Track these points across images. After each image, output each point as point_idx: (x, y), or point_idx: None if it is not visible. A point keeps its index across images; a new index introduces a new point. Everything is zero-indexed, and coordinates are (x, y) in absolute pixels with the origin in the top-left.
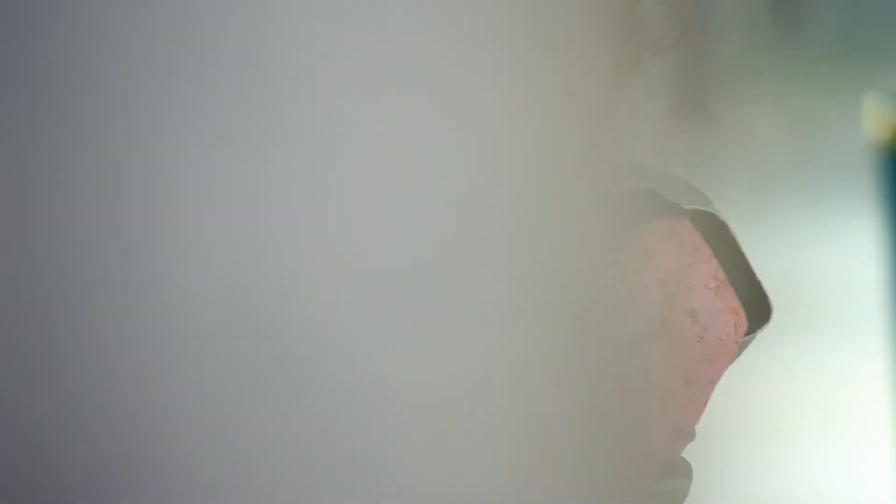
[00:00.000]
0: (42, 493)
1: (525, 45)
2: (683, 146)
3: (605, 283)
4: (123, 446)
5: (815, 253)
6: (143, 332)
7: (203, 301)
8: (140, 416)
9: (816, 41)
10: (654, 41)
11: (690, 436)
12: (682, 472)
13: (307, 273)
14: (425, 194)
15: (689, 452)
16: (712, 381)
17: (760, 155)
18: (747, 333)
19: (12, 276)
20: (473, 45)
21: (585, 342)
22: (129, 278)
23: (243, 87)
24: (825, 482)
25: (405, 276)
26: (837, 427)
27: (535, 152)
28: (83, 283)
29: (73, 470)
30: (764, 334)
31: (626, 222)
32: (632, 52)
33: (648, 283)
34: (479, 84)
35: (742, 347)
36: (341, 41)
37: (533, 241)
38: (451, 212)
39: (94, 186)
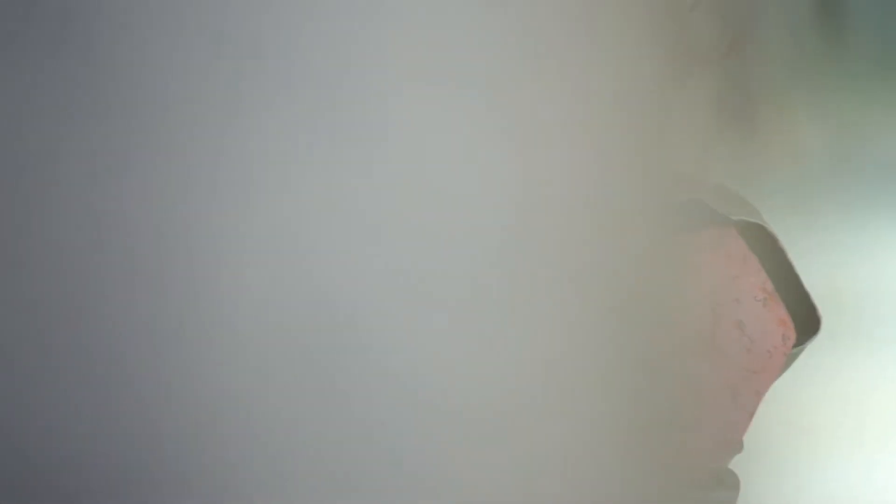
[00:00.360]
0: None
1: (575, 55)
2: (730, 156)
3: (652, 292)
4: (163, 454)
5: (860, 262)
6: (182, 342)
7: (242, 311)
8: (179, 423)
9: (860, 52)
10: (704, 52)
11: (737, 447)
12: (728, 485)
13: (347, 280)
14: (470, 202)
15: (735, 464)
16: (759, 393)
17: (805, 165)
18: (795, 345)
19: (46, 287)
20: (523, 54)
21: (631, 350)
22: (168, 290)
23: (283, 95)
24: (870, 493)
25: (448, 284)
26: (882, 437)
27: (583, 160)
28: (121, 295)
29: (114, 478)
30: (811, 345)
31: (674, 232)
32: (682, 63)
33: (695, 294)
34: (528, 91)
35: (790, 359)
36: (388, 50)
37: (579, 248)
38: (496, 221)
39: (133, 199)
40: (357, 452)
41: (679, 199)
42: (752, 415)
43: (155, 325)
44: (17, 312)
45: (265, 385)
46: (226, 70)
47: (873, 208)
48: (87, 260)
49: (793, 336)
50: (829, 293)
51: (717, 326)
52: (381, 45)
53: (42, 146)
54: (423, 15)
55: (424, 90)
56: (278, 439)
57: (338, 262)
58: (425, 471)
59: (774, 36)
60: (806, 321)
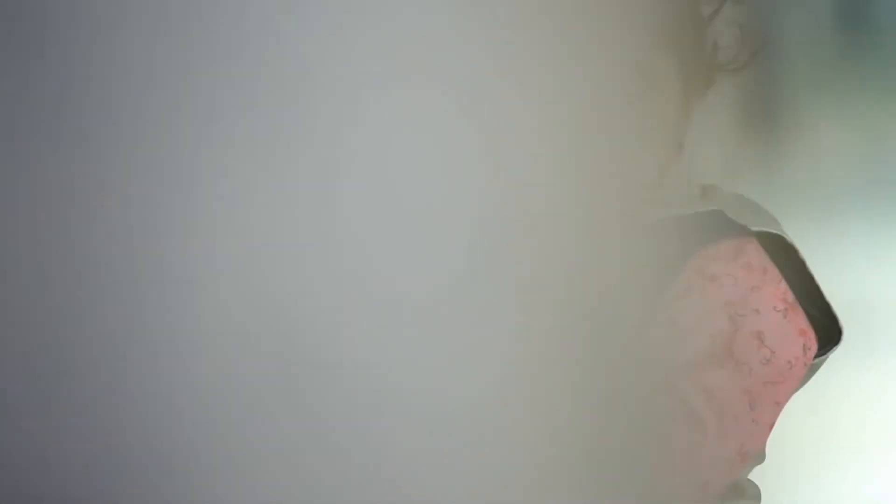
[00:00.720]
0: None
1: (552, 56)
2: (752, 164)
3: (627, 299)
4: (130, 457)
5: (885, 271)
6: (157, 353)
7: (215, 322)
8: (148, 428)
9: (885, 57)
10: (725, 62)
11: (759, 458)
12: (749, 495)
13: (320, 289)
14: (444, 208)
15: (757, 474)
16: (779, 404)
17: (830, 172)
18: (817, 356)
19: (25, 298)
20: (500, 57)
21: (606, 356)
22: (143, 299)
23: (255, 102)
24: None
25: (421, 289)
26: None
27: (561, 164)
28: (97, 302)
29: (81, 479)
30: (837, 354)
31: (652, 238)
32: (703, 73)
33: (713, 304)
34: (503, 96)
35: (812, 370)
36: (360, 54)
37: (553, 253)
38: (470, 226)
39: (111, 208)
40: (326, 457)
41: (699, 209)
42: (771, 426)
43: (123, 331)
44: None
45: (237, 392)
46: (197, 83)
47: None
48: (58, 269)
49: (814, 346)
50: (852, 302)
51: (736, 338)
52: (352, 48)
53: (15, 154)
54: (402, 16)
55: (397, 95)
56: (248, 445)
57: (308, 268)
58: (396, 476)
59: (797, 42)
60: (828, 331)
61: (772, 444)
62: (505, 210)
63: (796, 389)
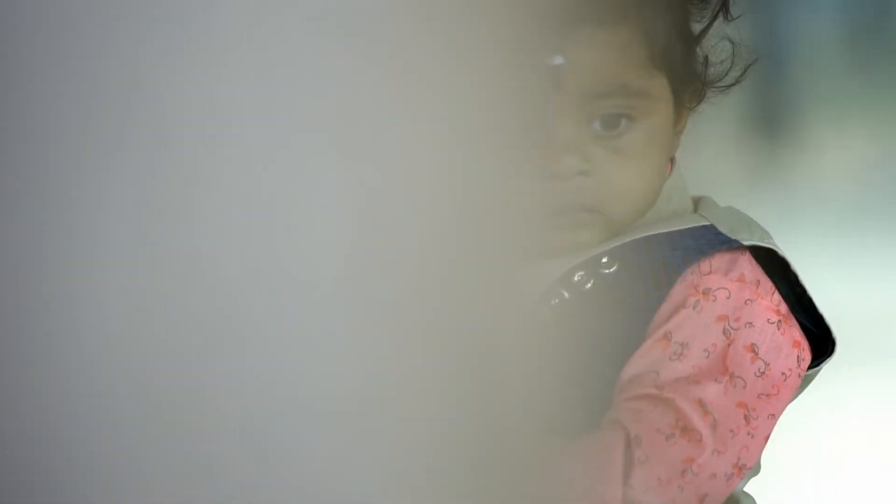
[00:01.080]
0: None
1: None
2: (756, 175)
3: (507, 314)
4: (29, 453)
5: (891, 281)
6: (56, 342)
7: (113, 312)
8: (47, 419)
9: (892, 65)
10: (716, 78)
11: (754, 470)
12: None
13: (204, 290)
14: (333, 215)
15: (752, 486)
16: (774, 416)
17: (834, 182)
18: (811, 367)
19: None
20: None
21: (480, 362)
22: (42, 286)
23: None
24: None
25: (301, 295)
26: None
27: (448, 175)
28: None
29: None
30: (834, 365)
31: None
32: (694, 89)
33: (707, 318)
34: (398, 105)
35: (806, 381)
36: (251, 74)
37: (433, 266)
38: (358, 227)
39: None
40: (221, 448)
41: (691, 223)
42: (767, 437)
43: (28, 321)
44: None
45: (132, 380)
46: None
47: None
48: None
49: (808, 357)
50: (857, 311)
51: (731, 350)
52: (244, 57)
53: None
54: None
55: (279, 98)
56: (144, 431)
57: (190, 271)
58: (288, 466)
59: (801, 51)
60: (821, 343)
61: (767, 456)
62: (387, 216)
63: (791, 401)
